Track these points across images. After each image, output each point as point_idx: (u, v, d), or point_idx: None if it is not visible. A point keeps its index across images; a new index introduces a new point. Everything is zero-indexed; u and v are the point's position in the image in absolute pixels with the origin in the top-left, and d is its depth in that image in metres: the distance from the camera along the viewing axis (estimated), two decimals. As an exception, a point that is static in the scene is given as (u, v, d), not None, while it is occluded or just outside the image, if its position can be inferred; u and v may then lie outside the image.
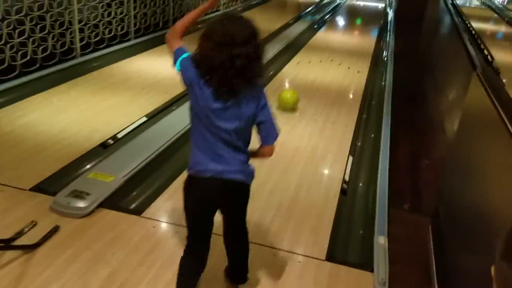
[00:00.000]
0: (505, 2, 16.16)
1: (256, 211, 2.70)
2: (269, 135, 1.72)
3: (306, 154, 3.55)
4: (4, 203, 2.54)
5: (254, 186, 2.93)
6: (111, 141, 3.39)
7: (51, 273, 2.07)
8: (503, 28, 11.26)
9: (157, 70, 5.28)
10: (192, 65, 1.62)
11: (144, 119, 3.85)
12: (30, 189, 2.68)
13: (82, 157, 3.14)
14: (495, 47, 8.05)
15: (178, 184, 2.91)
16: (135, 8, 6.31)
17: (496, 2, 15.90)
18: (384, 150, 3.64)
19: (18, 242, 2.22)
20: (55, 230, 2.34)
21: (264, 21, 9.10)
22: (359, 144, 3.92)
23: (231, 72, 1.52)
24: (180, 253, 1.83)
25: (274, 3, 11.77)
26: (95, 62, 5.25)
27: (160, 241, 2.38)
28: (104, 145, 3.33)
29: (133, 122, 3.74)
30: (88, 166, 3.01)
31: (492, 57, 7.19)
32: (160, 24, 7.02)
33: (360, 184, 3.31)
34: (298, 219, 2.67)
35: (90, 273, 2.09)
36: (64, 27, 5.04)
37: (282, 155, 3.48)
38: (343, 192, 3.05)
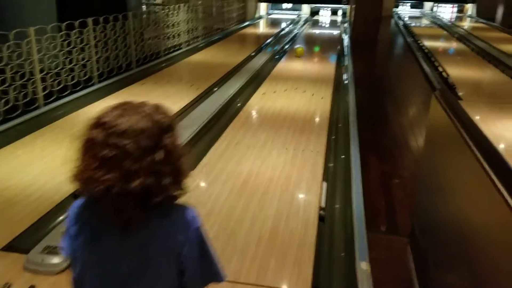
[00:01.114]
0: (453, 19, 17.12)
1: (237, 248, 2.69)
2: None
3: (281, 184, 3.58)
4: (-27, 267, 2.43)
5: (232, 222, 2.94)
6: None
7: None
8: (453, 44, 11.88)
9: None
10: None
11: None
12: (1, 249, 2.58)
13: (54, 209, 3.06)
14: (449, 63, 8.47)
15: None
16: (96, 53, 6.31)
17: (444, 20, 16.81)
18: (356, 173, 3.72)
19: (-9, 308, 2.12)
20: (30, 290, 2.25)
21: (226, 55, 9.27)
22: (331, 169, 3.99)
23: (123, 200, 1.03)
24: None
25: (235, 37, 12.04)
26: (59, 110, 5.17)
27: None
28: (75, 195, 3.25)
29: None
30: (60, 218, 2.93)
31: (447, 73, 7.55)
32: (123, 66, 7.03)
33: (337, 209, 3.36)
34: (280, 251, 2.67)
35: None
36: (26, 78, 4.97)
37: (257, 187, 3.50)
38: (321, 219, 3.09)
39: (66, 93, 5.58)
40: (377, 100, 6.65)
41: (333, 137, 4.74)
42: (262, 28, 14.85)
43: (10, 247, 2.60)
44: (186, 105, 5.56)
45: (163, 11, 8.84)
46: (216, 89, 6.43)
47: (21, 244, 2.62)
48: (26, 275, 2.36)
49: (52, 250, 2.48)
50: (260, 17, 16.39)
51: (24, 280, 2.31)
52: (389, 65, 10.08)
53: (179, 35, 9.30)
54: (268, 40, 11.22)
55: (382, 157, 4.41)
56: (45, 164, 3.82)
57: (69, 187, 3.32)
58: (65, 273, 2.39)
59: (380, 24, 12.17)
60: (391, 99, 6.76)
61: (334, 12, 17.30)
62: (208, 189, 3.51)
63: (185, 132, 4.50)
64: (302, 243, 2.77)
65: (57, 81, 5.48)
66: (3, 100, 4.63)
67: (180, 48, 9.25)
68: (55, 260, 2.43)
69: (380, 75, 8.80)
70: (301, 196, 3.46)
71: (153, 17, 8.48)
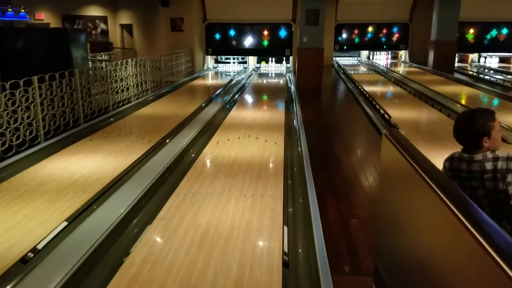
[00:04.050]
0: (388, 65, 18.33)
1: (203, 302, 2.59)
2: None
3: (242, 232, 3.54)
4: None
5: (194, 276, 2.85)
6: (31, 255, 3.11)
7: None
8: (391, 88, 12.65)
9: (73, 169, 5.08)
10: None
11: (65, 224, 3.61)
12: None
13: (1, 277, 2.82)
14: (389, 105, 8.98)
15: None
16: (42, 110, 6.13)
17: (380, 66, 17.97)
18: (315, 215, 3.75)
19: None
20: None
21: (176, 107, 9.30)
22: (291, 212, 4.01)
23: None
24: None
25: (184, 89, 12.16)
26: (4, 172, 4.91)
27: None
28: (23, 260, 3.03)
29: (53, 230, 3.48)
30: (9, 286, 2.70)
31: (388, 115, 7.98)
32: (71, 122, 6.86)
33: (300, 253, 3.34)
34: (246, 301, 2.60)
35: None
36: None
37: (218, 237, 3.44)
38: (285, 264, 3.06)
39: (11, 153, 5.33)
40: (327, 143, 6.87)
41: (289, 181, 4.80)
42: (210, 79, 15.13)
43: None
44: (138, 158, 5.47)
45: (110, 66, 8.83)
46: (168, 140, 6.39)
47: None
48: None
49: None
50: (208, 69, 16.74)
51: None
52: (334, 110, 10.52)
53: (127, 89, 9.26)
54: (218, 91, 11.43)
55: (337, 198, 4.50)
56: (-12, 229, 3.55)
57: (17, 252, 3.11)
58: None
59: (322, 73, 12.80)
60: (340, 141, 7.01)
61: (279, 62, 18.02)
62: (167, 244, 3.39)
63: (138, 186, 4.39)
64: (269, 291, 2.72)
65: (1, 141, 5.23)
66: None
67: (129, 102, 9.19)
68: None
69: (327, 119, 9.15)
70: (263, 243, 3.43)
71: (100, 72, 8.44)
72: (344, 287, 2.87)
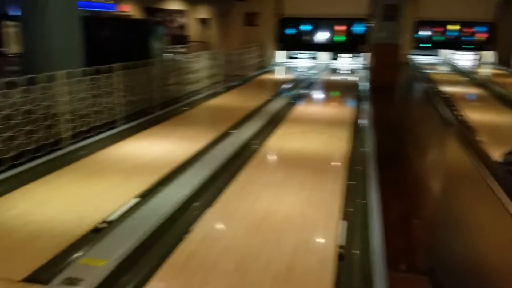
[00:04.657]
0: (471, 66, 17.22)
1: (253, 284, 2.67)
2: None
3: (298, 222, 3.58)
4: (-6, 297, 2.47)
5: (248, 258, 2.94)
6: (102, 225, 3.38)
7: None
8: (472, 90, 11.91)
9: (145, 152, 5.41)
10: None
11: (134, 200, 3.87)
12: (22, 280, 2.62)
13: (74, 243, 3.10)
14: (468, 108, 8.47)
15: (172, 262, 2.90)
16: (122, 96, 6.57)
17: (461, 66, 16.94)
18: (375, 212, 3.69)
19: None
20: (48, 320, 2.27)
21: (245, 100, 9.50)
22: (350, 207, 3.97)
23: None
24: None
25: (253, 83, 12.36)
26: (83, 150, 5.35)
27: (158, 322, 2.32)
28: (95, 230, 3.31)
29: (123, 205, 3.75)
30: (80, 253, 2.97)
31: (465, 118, 7.54)
32: (147, 109, 7.27)
33: (355, 248, 3.31)
34: (295, 287, 2.65)
35: None
36: (53, 119, 5.19)
37: (274, 225, 3.50)
38: (339, 257, 3.05)
39: (91, 134, 5.78)
40: (396, 142, 6.66)
41: (351, 177, 4.73)
42: (280, 74, 15.22)
43: (30, 279, 2.64)
44: (205, 146, 5.68)
45: (185, 59, 9.22)
46: (234, 131, 6.56)
47: (41, 276, 2.66)
48: (45, 306, 2.39)
49: (71, 282, 2.51)
50: (278, 64, 16.84)
51: (43, 311, 2.33)
52: (408, 109, 10.13)
53: (200, 80, 9.61)
54: (286, 86, 11.48)
55: (401, 197, 4.37)
56: (68, 200, 3.91)
57: (90, 222, 3.40)
58: (82, 305, 2.40)
59: (397, 70, 12.36)
60: (410, 141, 6.76)
61: (352, 58, 17.64)
62: (224, 227, 3.53)
63: (202, 171, 4.57)
64: (320, 280, 2.74)
65: (83, 122, 5.70)
66: (30, 140, 4.83)
67: (201, 93, 9.53)
68: (73, 292, 2.45)
69: (399, 118, 8.84)
70: (319, 234, 3.44)
71: (176, 64, 8.84)
72: (399, 285, 2.81)
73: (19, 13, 7.04)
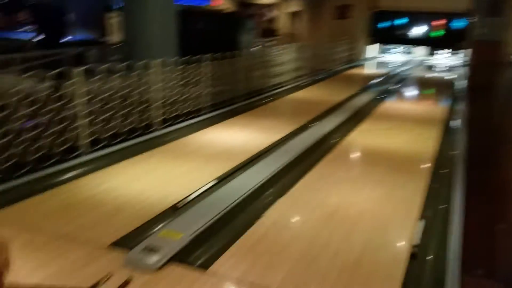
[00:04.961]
0: None
1: (319, 273, 2.69)
2: None
3: (372, 218, 3.50)
4: (84, 258, 2.77)
5: (316, 248, 2.95)
6: (182, 203, 3.60)
7: (122, 322, 2.19)
8: None
9: (225, 140, 5.65)
10: None
11: (213, 183, 4.06)
12: (108, 246, 2.91)
13: (155, 217, 3.36)
14: None
15: (242, 242, 3.01)
16: (209, 86, 6.87)
17: None
18: (457, 214, 3.49)
19: (94, 292, 2.39)
20: (127, 282, 2.49)
21: (329, 94, 9.40)
22: (430, 208, 3.79)
23: None
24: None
25: (340, 77, 12.16)
26: (171, 135, 5.71)
27: (223, 297, 2.44)
28: (175, 207, 3.54)
29: (202, 186, 3.96)
30: (160, 226, 3.20)
31: None
32: (231, 99, 7.52)
33: (431, 249, 3.17)
34: (362, 282, 2.61)
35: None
36: (146, 105, 5.60)
37: (346, 218, 3.47)
38: (412, 256, 2.95)
39: (178, 120, 6.14)
40: (490, 144, 6.17)
41: (435, 178, 4.50)
42: (370, 69, 14.77)
43: (116, 244, 2.91)
44: (283, 137, 5.74)
45: (272, 51, 9.35)
46: (314, 124, 6.55)
47: (124, 243, 2.93)
48: (126, 270, 2.62)
49: (150, 251, 2.73)
50: (369, 58, 16.35)
51: (124, 274, 2.56)
52: (508, 111, 9.29)
53: (285, 73, 9.70)
54: (375, 81, 11.13)
55: (489, 200, 4.06)
56: (154, 179, 4.23)
57: (171, 199, 3.64)
58: (158, 272, 2.61)
59: (499, 69, 11.36)
60: (505, 145, 6.22)
61: (449, 55, 16.54)
62: (295, 216, 3.58)
63: (278, 161, 4.65)
64: (388, 277, 2.67)
65: (173, 109, 6.07)
66: (125, 122, 5.26)
67: (285, 86, 9.61)
68: (152, 259, 2.67)
69: (496, 120, 8.15)
70: (393, 232, 3.34)
71: (262, 57, 9.01)
72: (473, 290, 2.64)
73: (122, 5, 7.67)
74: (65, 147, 4.47)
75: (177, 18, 7.64)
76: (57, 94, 4.51)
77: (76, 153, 4.53)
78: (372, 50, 16.80)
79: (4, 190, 3.71)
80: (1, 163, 3.89)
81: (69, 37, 13.33)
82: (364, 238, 3.16)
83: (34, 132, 4.23)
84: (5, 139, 3.98)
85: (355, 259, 2.86)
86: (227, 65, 7.37)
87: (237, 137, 5.84)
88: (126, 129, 5.25)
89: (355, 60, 15.37)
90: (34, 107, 4.28)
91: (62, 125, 4.50)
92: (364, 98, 8.69)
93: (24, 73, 4.49)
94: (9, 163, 3.94)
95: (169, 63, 6.07)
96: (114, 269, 2.61)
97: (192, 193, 3.80)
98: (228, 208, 3.48)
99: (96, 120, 4.88)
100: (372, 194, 3.99)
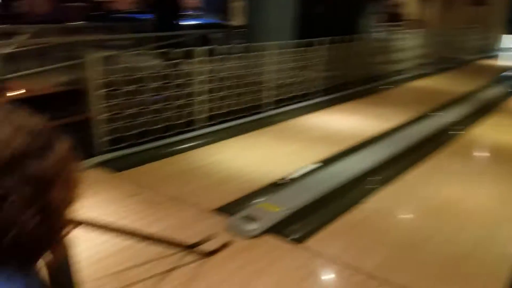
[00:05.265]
0: None
1: (418, 263, 2.59)
2: None
3: (486, 214, 3.23)
4: (192, 218, 3.03)
5: (419, 237, 2.82)
6: (283, 181, 3.70)
7: (217, 279, 2.38)
8: None
9: (334, 124, 5.63)
10: None
11: (314, 165, 4.09)
12: (213, 210, 3.14)
13: (257, 191, 3.50)
14: None
15: (340, 223, 3.01)
16: (324, 70, 6.84)
17: None
18: None
19: (197, 250, 2.60)
20: (226, 245, 2.68)
21: (455, 84, 8.69)
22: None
23: None
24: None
25: (469, 67, 11.14)
26: (281, 116, 5.83)
27: (314, 272, 2.49)
28: (276, 184, 3.65)
29: (304, 167, 4.01)
30: (260, 199, 3.34)
31: None
32: (346, 84, 7.40)
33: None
34: (464, 277, 2.45)
35: (246, 286, 2.32)
36: (259, 86, 5.81)
37: (454, 211, 3.26)
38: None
39: (286, 103, 6.24)
40: None
41: None
42: (504, 60, 13.25)
43: (219, 211, 3.13)
44: (397, 125, 5.49)
45: (395, 37, 8.92)
46: (432, 114, 6.13)
47: (227, 210, 3.13)
48: (226, 233, 2.81)
49: (249, 219, 2.89)
50: (505, 49, 14.66)
51: (224, 237, 2.75)
52: None
53: (407, 60, 9.20)
54: (508, 73, 9.98)
55: None
56: (259, 156, 4.40)
57: (273, 176, 3.76)
58: (255, 239, 2.75)
59: None
60: None
61: None
62: (400, 204, 3.45)
63: (387, 149, 4.48)
64: (492, 276, 2.47)
65: (284, 91, 6.19)
66: (236, 102, 5.52)
67: (406, 73, 9.12)
68: (250, 227, 2.82)
69: None
70: (505, 231, 3.04)
71: (383, 42, 8.65)
72: None
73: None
74: (184, 120, 4.87)
75: (297, 1, 7.70)
76: (181, 71, 4.91)
77: (193, 127, 4.91)
78: (509, 40, 15.01)
79: (131, 153, 4.21)
80: (133, 129, 4.37)
81: (196, 21, 14.29)
82: (472, 234, 2.93)
83: (159, 105, 4.68)
84: (138, 109, 4.46)
85: (459, 254, 2.68)
86: (344, 50, 7.24)
87: (346, 122, 5.75)
88: (239, 108, 5.51)
89: (488, 50, 13.90)
90: (161, 83, 4.72)
91: (183, 101, 4.91)
92: (494, 91, 7.88)
93: (154, 52, 4.96)
94: (138, 130, 4.42)
95: (286, 45, 6.18)
96: (215, 231, 2.82)
97: (294, 172, 3.88)
98: (329, 190, 3.49)
99: (214, 98, 5.21)
100: (488, 191, 3.66)
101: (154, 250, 2.49)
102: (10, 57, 5.93)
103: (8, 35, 6.96)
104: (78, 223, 2.17)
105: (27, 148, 0.60)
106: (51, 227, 0.63)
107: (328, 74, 7.02)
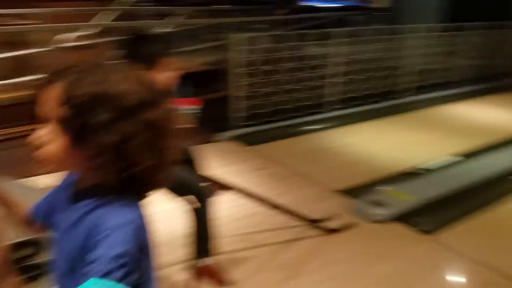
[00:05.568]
0: None
1: None
2: None
3: None
4: (316, 195, 3.09)
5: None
6: (416, 170, 3.52)
7: (338, 257, 2.40)
8: None
9: (477, 116, 5.18)
10: None
11: (453, 157, 3.79)
12: (337, 191, 3.14)
13: (385, 177, 3.38)
14: None
15: (479, 220, 2.77)
16: (473, 58, 6.23)
17: None
18: None
19: (321, 225, 2.65)
20: (350, 226, 2.67)
21: None
22: None
23: None
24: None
25: None
26: (421, 103, 5.52)
27: (440, 265, 2.36)
28: (407, 172, 3.48)
29: (443, 159, 3.75)
30: (387, 186, 3.20)
31: None
32: (493, 75, 6.64)
33: None
34: None
35: (366, 268, 2.30)
36: (398, 70, 5.54)
37: None
38: None
39: (431, 90, 5.84)
40: None
41: None
42: None
43: (345, 192, 3.11)
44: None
45: None
46: None
47: (353, 192, 3.09)
48: (351, 214, 2.80)
49: (376, 203, 2.83)
50: None
51: (348, 217, 2.74)
52: None
53: None
54: None
55: None
56: (393, 142, 4.25)
57: (400, 164, 3.59)
58: (380, 224, 2.68)
59: None
60: None
61: None
62: None
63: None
64: None
65: (427, 77, 5.80)
66: (372, 87, 5.34)
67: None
68: (376, 211, 2.77)
69: None
70: None
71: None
72: None
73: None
74: (318, 101, 4.91)
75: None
76: (317, 53, 4.93)
77: (324, 109, 4.92)
78: None
79: (263, 130, 4.40)
80: (266, 107, 4.54)
81: (336, 4, 14.00)
82: None
83: (295, 86, 4.77)
84: (272, 88, 4.61)
85: None
86: (498, 36, 6.48)
87: (493, 115, 5.21)
88: (374, 92, 5.34)
89: None
90: (296, 63, 4.80)
91: (318, 82, 4.93)
92: None
93: (293, 33, 5.04)
94: (274, 108, 4.57)
95: (432, 29, 5.77)
96: (340, 211, 2.82)
97: (429, 162, 3.65)
98: (467, 184, 3.22)
99: (348, 81, 5.13)
100: None
101: (281, 219, 2.60)
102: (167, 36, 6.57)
103: (163, 15, 7.65)
104: (226, 187, 2.39)
105: (145, 98, 0.73)
106: (162, 170, 0.76)
107: (478, 62, 6.36)
